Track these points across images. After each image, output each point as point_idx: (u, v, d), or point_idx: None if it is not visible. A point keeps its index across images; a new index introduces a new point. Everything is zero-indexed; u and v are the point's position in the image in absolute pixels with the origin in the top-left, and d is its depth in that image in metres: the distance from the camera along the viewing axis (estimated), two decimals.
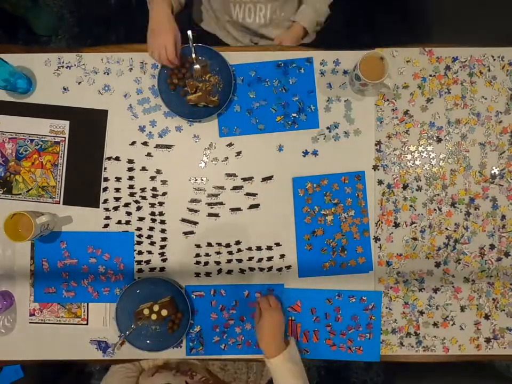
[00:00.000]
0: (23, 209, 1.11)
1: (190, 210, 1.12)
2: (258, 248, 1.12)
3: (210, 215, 1.12)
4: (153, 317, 1.04)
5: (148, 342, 1.07)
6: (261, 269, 1.12)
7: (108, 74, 1.14)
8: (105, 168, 1.13)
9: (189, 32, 1.05)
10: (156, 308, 1.05)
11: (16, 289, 1.12)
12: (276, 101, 1.13)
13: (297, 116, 1.13)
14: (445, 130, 1.12)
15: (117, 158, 1.13)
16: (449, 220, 1.12)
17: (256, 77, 1.13)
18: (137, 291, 1.08)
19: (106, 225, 1.12)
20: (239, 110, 1.13)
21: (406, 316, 1.11)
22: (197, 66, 1.08)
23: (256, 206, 1.12)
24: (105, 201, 1.13)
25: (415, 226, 1.12)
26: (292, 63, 1.13)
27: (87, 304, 1.12)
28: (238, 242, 1.12)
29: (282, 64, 1.13)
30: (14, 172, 1.14)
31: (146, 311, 1.05)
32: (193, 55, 1.08)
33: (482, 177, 1.12)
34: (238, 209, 1.12)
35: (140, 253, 1.12)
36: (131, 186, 1.13)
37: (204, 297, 1.11)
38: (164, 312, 1.05)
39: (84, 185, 1.13)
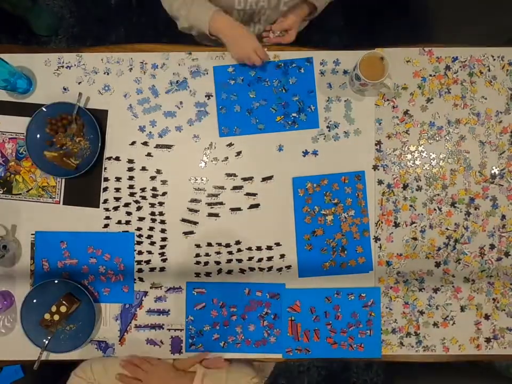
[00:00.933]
0: (24, 209, 1.11)
1: (190, 210, 1.13)
2: (258, 248, 1.12)
3: (210, 215, 1.12)
4: (56, 317, 1.06)
5: (70, 342, 1.09)
6: (261, 269, 1.12)
7: (108, 74, 1.14)
8: (105, 168, 1.13)
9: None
10: (53, 308, 1.06)
11: (16, 289, 1.12)
12: (276, 101, 1.13)
13: (297, 116, 1.13)
14: (445, 130, 1.12)
15: (117, 158, 1.13)
16: (449, 220, 1.12)
17: (256, 76, 1.13)
18: (34, 300, 1.09)
19: (106, 225, 1.12)
20: (239, 110, 1.13)
21: (406, 316, 1.11)
22: (74, 125, 1.10)
23: (256, 206, 1.12)
24: (105, 201, 1.13)
25: (415, 226, 1.12)
26: (292, 63, 1.13)
27: None
28: (238, 242, 1.12)
29: (282, 64, 1.13)
30: (14, 171, 1.14)
31: (47, 316, 1.06)
32: (74, 113, 1.09)
33: (482, 177, 1.12)
34: (238, 209, 1.12)
35: (140, 253, 1.12)
36: (131, 186, 1.13)
37: (205, 294, 1.11)
38: (63, 309, 1.05)
39: (84, 185, 1.13)
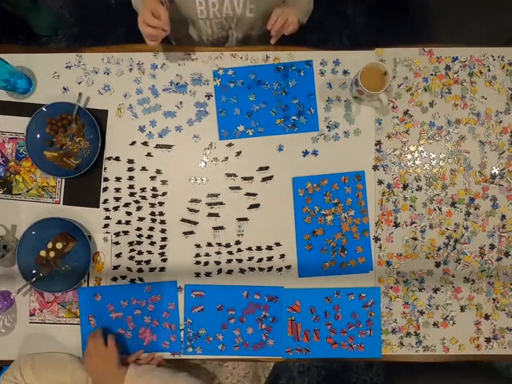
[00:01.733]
0: (24, 209, 1.11)
1: (190, 210, 1.12)
2: (258, 248, 1.12)
3: (210, 215, 1.12)
4: (52, 254, 1.06)
5: (65, 283, 1.09)
6: (261, 269, 1.12)
7: (108, 74, 1.14)
8: (105, 168, 1.13)
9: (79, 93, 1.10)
10: (50, 245, 1.06)
11: (16, 289, 1.12)
12: (275, 104, 1.13)
13: (297, 119, 1.13)
14: (445, 130, 1.12)
15: (117, 158, 1.13)
16: (449, 220, 1.12)
17: (256, 79, 1.13)
18: (33, 232, 1.09)
19: (106, 225, 1.12)
20: (239, 113, 1.13)
21: (406, 316, 1.11)
22: (74, 125, 1.10)
23: (256, 206, 1.12)
24: (105, 201, 1.13)
25: (415, 226, 1.12)
26: (291, 66, 1.13)
27: None
28: (238, 242, 1.12)
29: (282, 67, 1.13)
30: (14, 171, 1.14)
31: (43, 253, 1.07)
32: (74, 113, 1.09)
33: (482, 177, 1.12)
34: (238, 209, 1.12)
35: (140, 253, 1.12)
36: (131, 186, 1.13)
37: (204, 297, 1.11)
38: (59, 245, 1.06)
39: (84, 185, 1.13)
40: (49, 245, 1.07)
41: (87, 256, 1.09)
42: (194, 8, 1.10)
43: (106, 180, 1.13)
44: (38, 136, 1.11)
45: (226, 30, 1.22)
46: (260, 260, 1.12)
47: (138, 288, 1.11)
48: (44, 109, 1.09)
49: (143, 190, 1.13)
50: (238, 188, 1.12)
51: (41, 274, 1.08)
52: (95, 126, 1.09)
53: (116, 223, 1.12)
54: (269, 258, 1.12)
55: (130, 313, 1.11)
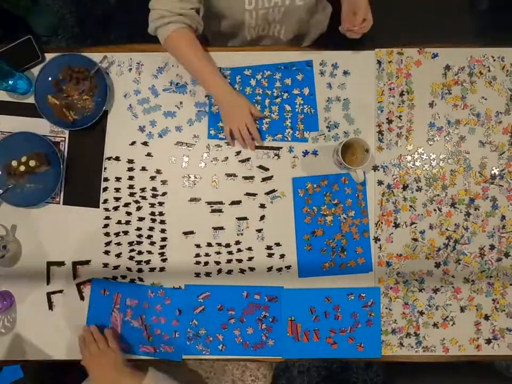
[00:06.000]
0: (24, 209, 1.11)
1: (190, 210, 1.12)
2: (258, 248, 1.12)
3: (210, 214, 1.12)
4: (22, 168, 1.06)
5: (23, 199, 1.10)
6: (261, 269, 1.12)
7: (107, 74, 1.14)
8: (105, 168, 1.13)
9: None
10: (23, 159, 1.06)
11: (16, 289, 1.12)
12: (275, 104, 1.13)
13: (297, 119, 1.13)
14: (445, 130, 1.12)
15: (117, 158, 1.13)
16: (449, 220, 1.12)
17: (256, 79, 1.13)
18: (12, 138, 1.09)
19: (106, 225, 1.12)
20: None
21: (406, 317, 1.11)
22: (88, 82, 1.10)
23: (262, 206, 1.12)
24: (105, 201, 1.13)
25: (415, 227, 1.12)
26: (292, 66, 1.13)
27: None
28: (238, 242, 1.12)
29: (283, 67, 1.13)
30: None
31: (14, 163, 1.07)
32: (93, 71, 1.10)
33: (482, 178, 1.12)
34: (238, 209, 1.12)
35: (140, 253, 1.12)
36: (131, 186, 1.13)
37: (209, 298, 1.11)
38: (32, 163, 1.06)
39: (84, 185, 1.13)
40: (23, 159, 1.07)
41: (54, 185, 1.09)
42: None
43: (106, 180, 1.13)
44: (50, 78, 1.11)
45: (269, 23, 1.18)
46: (260, 260, 1.12)
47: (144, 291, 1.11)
48: (67, 55, 1.10)
49: (143, 190, 1.13)
50: (238, 188, 1.12)
51: (9, 186, 1.08)
52: (106, 92, 1.09)
53: (116, 223, 1.12)
54: (269, 258, 1.12)
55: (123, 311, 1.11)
